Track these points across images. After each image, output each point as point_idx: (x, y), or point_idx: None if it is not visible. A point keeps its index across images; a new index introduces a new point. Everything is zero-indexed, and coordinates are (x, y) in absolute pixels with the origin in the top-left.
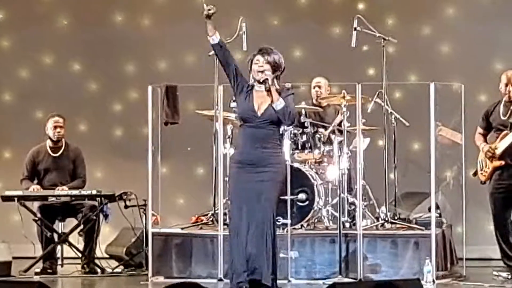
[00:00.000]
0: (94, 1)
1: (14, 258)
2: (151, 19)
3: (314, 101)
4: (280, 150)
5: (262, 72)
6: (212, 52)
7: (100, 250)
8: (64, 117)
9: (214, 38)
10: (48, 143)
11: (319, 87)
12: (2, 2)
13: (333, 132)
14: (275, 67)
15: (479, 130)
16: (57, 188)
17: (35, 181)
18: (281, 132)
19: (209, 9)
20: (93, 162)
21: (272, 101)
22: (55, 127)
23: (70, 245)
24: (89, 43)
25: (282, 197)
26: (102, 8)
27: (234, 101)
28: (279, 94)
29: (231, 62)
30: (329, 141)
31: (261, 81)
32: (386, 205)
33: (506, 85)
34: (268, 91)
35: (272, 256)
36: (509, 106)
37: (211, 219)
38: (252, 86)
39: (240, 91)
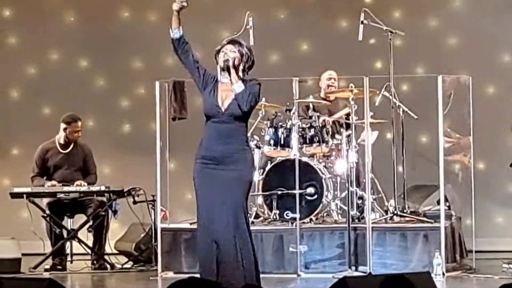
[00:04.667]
0: None
1: (23, 255)
2: (158, 14)
3: (322, 95)
4: (247, 147)
5: (227, 56)
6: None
7: (109, 246)
8: (80, 118)
9: (178, 32)
10: (58, 139)
11: (334, 79)
12: None
13: (340, 125)
14: (243, 56)
15: None
16: (76, 182)
17: (45, 178)
18: (248, 128)
19: (182, 1)
20: (101, 158)
21: (231, 84)
22: (76, 132)
23: (79, 241)
24: (96, 39)
25: (291, 191)
26: (109, 4)
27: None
28: (244, 82)
29: (194, 57)
30: (336, 134)
31: (223, 59)
32: (394, 198)
33: None
34: (228, 68)
35: (248, 258)
36: None
37: None
38: (217, 79)
39: (205, 85)
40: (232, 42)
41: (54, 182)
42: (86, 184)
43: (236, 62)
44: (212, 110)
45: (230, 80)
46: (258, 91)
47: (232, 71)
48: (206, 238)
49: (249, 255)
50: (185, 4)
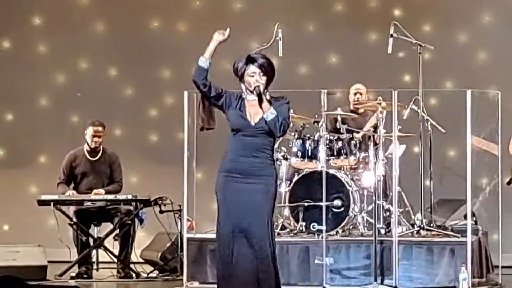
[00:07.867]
0: (130, 6)
1: (49, 262)
2: (187, 24)
3: (352, 107)
4: (272, 161)
5: (257, 81)
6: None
7: (135, 255)
8: (104, 124)
9: (209, 61)
10: (86, 147)
11: (361, 93)
12: (39, 8)
13: (368, 137)
14: (269, 73)
15: None
16: (94, 190)
17: (72, 185)
18: (274, 143)
19: (225, 34)
20: (129, 167)
21: (263, 111)
22: (94, 136)
23: (106, 249)
24: (125, 49)
25: (317, 203)
26: (138, 13)
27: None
28: (271, 103)
29: (213, 85)
30: (364, 147)
31: (253, 87)
32: (421, 212)
33: None
34: (259, 96)
35: (274, 274)
36: None
37: None
38: (243, 97)
39: (229, 105)
40: (252, 60)
41: (73, 192)
42: (104, 192)
43: (263, 88)
44: (241, 124)
45: (261, 107)
46: (288, 112)
47: (263, 97)
48: (227, 256)
49: (273, 267)
50: (226, 38)
